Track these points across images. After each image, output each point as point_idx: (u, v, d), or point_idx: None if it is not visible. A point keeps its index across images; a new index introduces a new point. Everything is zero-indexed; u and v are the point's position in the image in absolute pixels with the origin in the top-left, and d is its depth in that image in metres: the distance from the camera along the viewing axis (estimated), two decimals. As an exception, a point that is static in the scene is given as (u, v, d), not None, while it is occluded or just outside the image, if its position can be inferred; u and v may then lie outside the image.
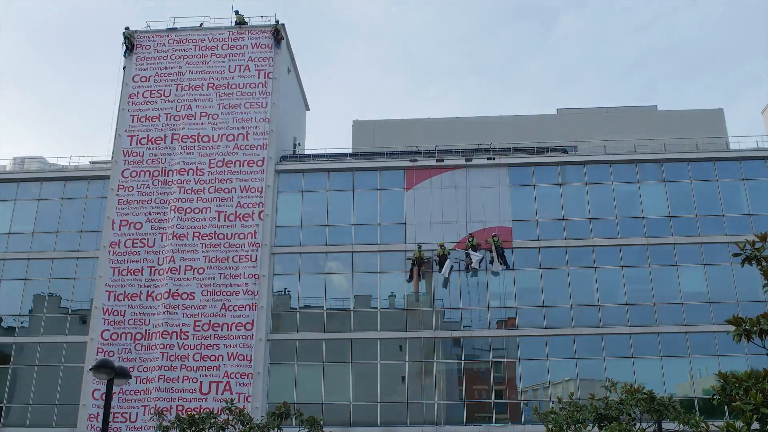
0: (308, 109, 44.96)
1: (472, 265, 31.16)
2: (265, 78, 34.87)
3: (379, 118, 51.42)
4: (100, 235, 33.09)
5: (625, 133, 37.04)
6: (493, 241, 31.36)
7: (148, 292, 31.64)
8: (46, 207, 34.54)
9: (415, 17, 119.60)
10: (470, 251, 31.25)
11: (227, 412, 21.20)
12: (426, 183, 33.50)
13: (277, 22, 35.91)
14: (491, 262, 31.36)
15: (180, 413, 23.60)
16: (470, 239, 31.51)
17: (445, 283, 31.39)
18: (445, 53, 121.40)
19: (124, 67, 36.22)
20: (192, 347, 30.67)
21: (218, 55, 35.49)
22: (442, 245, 31.39)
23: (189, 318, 31.06)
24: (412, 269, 31.59)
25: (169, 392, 30.06)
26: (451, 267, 31.27)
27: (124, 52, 36.09)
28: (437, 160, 33.92)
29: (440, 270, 31.26)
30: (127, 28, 36.18)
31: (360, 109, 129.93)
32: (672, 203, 32.61)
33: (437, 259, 31.55)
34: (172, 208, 32.86)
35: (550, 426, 19.13)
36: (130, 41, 35.91)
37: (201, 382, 30.17)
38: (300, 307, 32.22)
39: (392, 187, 33.70)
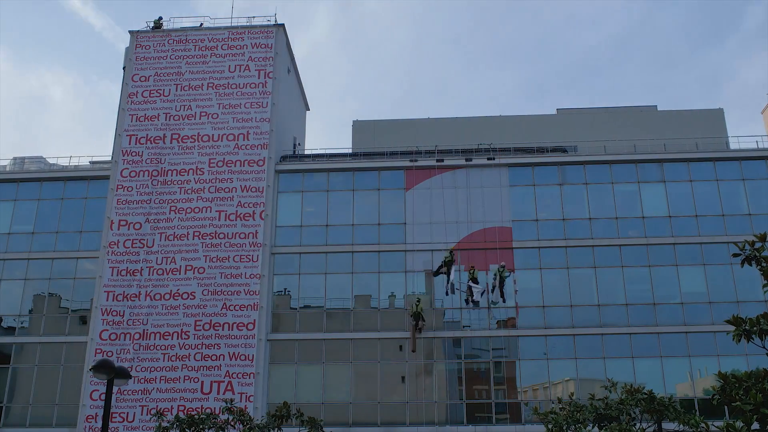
0: (308, 109, 44.98)
1: (474, 298, 30.54)
2: (265, 78, 34.87)
3: (379, 118, 51.47)
4: (100, 235, 33.08)
5: (625, 133, 37.08)
6: (499, 271, 30.55)
7: (146, 292, 31.63)
8: (46, 207, 34.52)
9: (415, 17, 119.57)
10: (471, 284, 30.54)
11: (227, 412, 21.17)
12: (426, 183, 33.49)
13: (277, 22, 35.93)
14: (492, 291, 30.67)
15: (181, 413, 23.55)
16: (471, 270, 30.75)
17: (447, 291, 31.06)
18: (445, 52, 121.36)
19: (124, 67, 36.26)
20: (193, 347, 30.69)
21: (218, 55, 35.49)
22: (452, 251, 30.92)
23: (190, 318, 31.08)
24: (412, 326, 30.44)
25: (171, 392, 30.08)
26: (452, 284, 30.65)
27: (152, 28, 36.77)
28: (437, 160, 33.91)
29: (447, 281, 30.74)
30: (160, 18, 37.04)
31: (360, 109, 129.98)
32: (672, 203, 32.60)
33: (442, 263, 30.97)
34: (172, 208, 32.86)
35: (550, 426, 19.10)
36: (158, 25, 36.77)
37: (202, 382, 30.18)
38: (300, 307, 32.22)
39: (392, 187, 33.69)
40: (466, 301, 30.97)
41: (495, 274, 30.68)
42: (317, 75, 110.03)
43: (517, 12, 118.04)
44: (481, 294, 30.66)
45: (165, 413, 22.61)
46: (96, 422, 29.70)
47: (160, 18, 36.98)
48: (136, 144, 34.16)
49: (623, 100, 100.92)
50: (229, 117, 34.26)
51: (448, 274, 30.77)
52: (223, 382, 30.10)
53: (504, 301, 30.71)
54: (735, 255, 10.24)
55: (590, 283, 31.62)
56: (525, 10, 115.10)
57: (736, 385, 9.94)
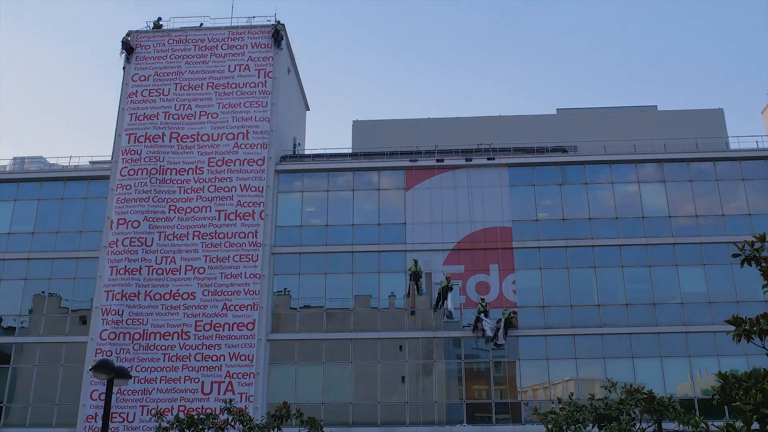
0: (308, 109, 44.97)
1: (486, 333, 30.19)
2: (264, 78, 34.86)
3: (379, 118, 51.48)
4: (100, 235, 33.08)
5: (625, 133, 37.07)
6: (505, 315, 30.39)
7: (146, 291, 31.62)
8: (46, 207, 34.52)
9: (416, 16, 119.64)
10: (482, 316, 30.33)
11: (227, 412, 21.16)
12: (426, 183, 33.49)
13: (278, 22, 35.91)
14: (496, 334, 30.29)
15: (181, 413, 23.55)
16: (482, 303, 30.54)
17: (451, 315, 30.86)
18: (446, 52, 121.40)
19: (123, 67, 36.26)
20: (193, 347, 30.67)
21: (218, 55, 35.49)
22: (448, 277, 30.83)
23: (190, 318, 31.07)
24: (409, 284, 31.34)
25: (171, 392, 30.08)
26: (449, 311, 30.61)
27: (125, 58, 35.81)
28: (437, 160, 33.91)
29: (441, 304, 30.69)
30: (128, 34, 35.93)
31: (360, 109, 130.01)
32: (672, 203, 32.61)
33: (440, 290, 30.97)
34: (172, 207, 32.85)
35: (550, 426, 19.09)
36: (128, 46, 35.61)
37: (203, 382, 30.17)
38: (300, 307, 32.22)
39: (392, 187, 33.69)
40: (475, 332, 30.49)
41: (501, 317, 30.39)
42: (317, 75, 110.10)
43: (517, 11, 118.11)
44: (492, 329, 30.27)
45: (165, 413, 22.61)
46: (96, 422, 29.68)
47: (159, 19, 36.94)
48: (135, 143, 34.14)
49: (623, 100, 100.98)
50: (228, 116, 34.25)
51: (445, 299, 30.58)
52: (224, 382, 30.09)
53: (503, 344, 30.41)
54: (735, 255, 10.25)
55: (590, 283, 31.61)
56: (526, 8, 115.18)
57: (736, 385, 9.95)
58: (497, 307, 31.01)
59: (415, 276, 31.16)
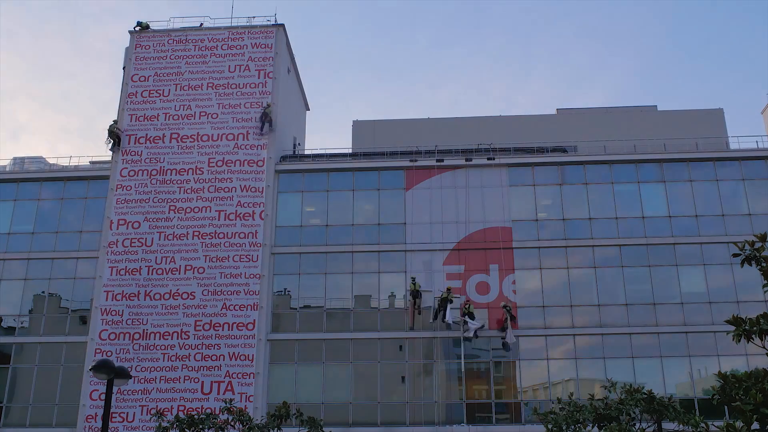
0: (308, 109, 44.97)
1: (468, 333, 30.03)
2: (264, 78, 34.87)
3: (379, 118, 51.47)
4: (99, 235, 33.08)
5: (625, 133, 37.04)
6: (506, 310, 30.38)
7: (146, 291, 31.64)
8: (46, 207, 34.53)
9: (416, 17, 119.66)
10: (467, 318, 30.18)
11: (227, 412, 21.15)
12: (426, 183, 33.48)
13: (277, 22, 35.93)
14: (504, 332, 30.16)
15: (181, 413, 23.54)
16: (467, 306, 30.45)
17: (449, 326, 30.64)
18: (446, 52, 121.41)
19: (123, 67, 36.26)
20: (193, 347, 30.69)
21: (218, 55, 35.50)
22: (449, 289, 30.64)
23: (190, 318, 31.09)
24: (409, 301, 31.00)
25: (171, 392, 30.10)
26: (447, 323, 30.40)
27: (111, 147, 34.09)
28: (437, 160, 33.90)
29: (443, 317, 30.36)
30: (114, 122, 34.27)
31: (360, 109, 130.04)
32: (672, 203, 32.59)
33: (438, 301, 30.73)
34: (172, 207, 32.88)
35: (549, 426, 19.10)
36: (116, 136, 33.92)
37: (202, 382, 30.19)
38: (300, 307, 32.22)
39: (392, 187, 33.68)
40: (465, 333, 30.29)
41: (507, 319, 30.26)
42: (317, 75, 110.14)
43: (517, 11, 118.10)
44: (474, 332, 30.07)
45: (165, 413, 22.59)
46: (96, 422, 29.71)
47: (147, 25, 36.46)
48: (135, 144, 34.16)
49: (623, 100, 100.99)
50: (228, 117, 34.27)
51: (445, 310, 30.32)
52: (223, 382, 30.11)
53: (509, 348, 30.38)
54: (735, 255, 10.26)
55: (590, 283, 31.61)
56: (525, 8, 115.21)
57: (736, 385, 9.96)
58: (496, 306, 31.04)
59: (415, 294, 30.84)
